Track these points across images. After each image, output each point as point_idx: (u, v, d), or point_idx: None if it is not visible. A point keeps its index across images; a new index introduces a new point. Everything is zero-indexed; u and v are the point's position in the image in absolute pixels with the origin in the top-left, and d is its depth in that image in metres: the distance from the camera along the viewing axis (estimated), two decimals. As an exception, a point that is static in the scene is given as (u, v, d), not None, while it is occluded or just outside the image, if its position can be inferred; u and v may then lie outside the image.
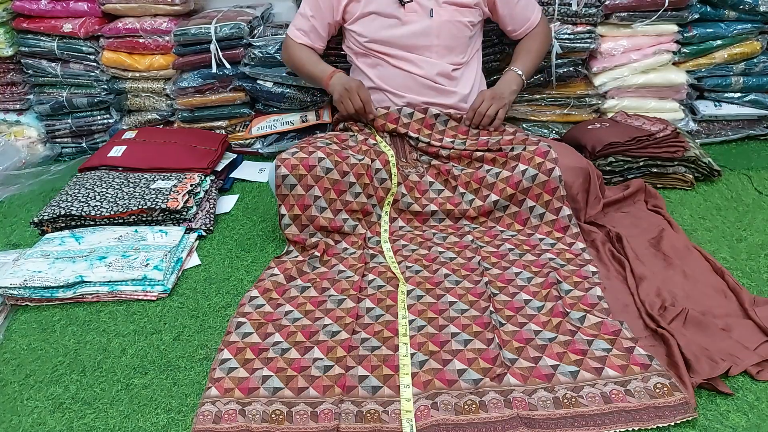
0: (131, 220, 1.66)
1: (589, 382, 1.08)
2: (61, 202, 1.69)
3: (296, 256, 1.52)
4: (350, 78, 1.72)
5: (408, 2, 1.60)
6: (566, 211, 1.51)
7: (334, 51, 1.97)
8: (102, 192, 1.72)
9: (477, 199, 1.59)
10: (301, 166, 1.49)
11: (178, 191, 1.70)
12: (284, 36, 1.86)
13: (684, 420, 1.00)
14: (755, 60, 1.98)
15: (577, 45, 1.95)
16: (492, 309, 1.27)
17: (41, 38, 2.13)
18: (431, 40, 1.64)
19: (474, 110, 1.66)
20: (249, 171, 2.05)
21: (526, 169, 1.52)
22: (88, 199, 1.70)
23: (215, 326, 1.34)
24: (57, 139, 2.30)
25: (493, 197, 1.56)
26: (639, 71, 1.98)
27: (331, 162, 1.51)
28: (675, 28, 1.94)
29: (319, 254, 1.49)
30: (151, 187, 1.73)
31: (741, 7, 1.91)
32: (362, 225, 1.58)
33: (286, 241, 1.54)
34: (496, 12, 1.75)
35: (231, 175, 2.02)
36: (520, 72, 1.72)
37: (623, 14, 1.92)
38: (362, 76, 1.75)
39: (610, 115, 2.02)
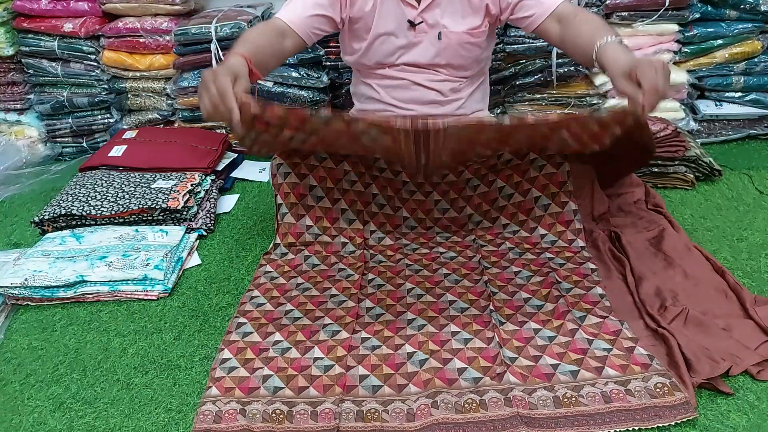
0: (132, 219, 1.66)
1: (590, 382, 1.08)
2: (61, 202, 1.69)
3: (285, 254, 1.51)
4: (231, 64, 1.22)
5: (418, 24, 1.48)
6: (572, 206, 1.50)
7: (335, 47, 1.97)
8: (102, 191, 1.72)
9: (483, 184, 1.56)
10: (295, 155, 1.48)
11: (178, 191, 1.70)
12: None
13: (684, 420, 1.00)
14: (756, 59, 1.98)
15: (578, 44, 1.95)
16: (492, 308, 1.27)
17: (42, 38, 2.13)
18: (439, 60, 1.56)
19: (654, 94, 1.10)
20: (249, 170, 2.06)
21: (536, 158, 1.52)
22: (89, 198, 1.70)
23: (216, 326, 1.34)
24: (57, 139, 2.30)
25: (499, 183, 1.55)
26: (640, 71, 1.98)
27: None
28: (676, 27, 1.94)
29: (310, 254, 1.49)
30: (152, 186, 1.73)
31: (742, 6, 1.91)
32: (360, 219, 1.56)
33: (276, 233, 1.53)
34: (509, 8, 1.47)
35: (231, 175, 2.02)
36: (613, 37, 1.25)
37: (624, 14, 1.92)
38: (366, 87, 1.67)
39: (610, 114, 2.01)
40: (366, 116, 1.19)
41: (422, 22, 1.47)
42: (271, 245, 1.53)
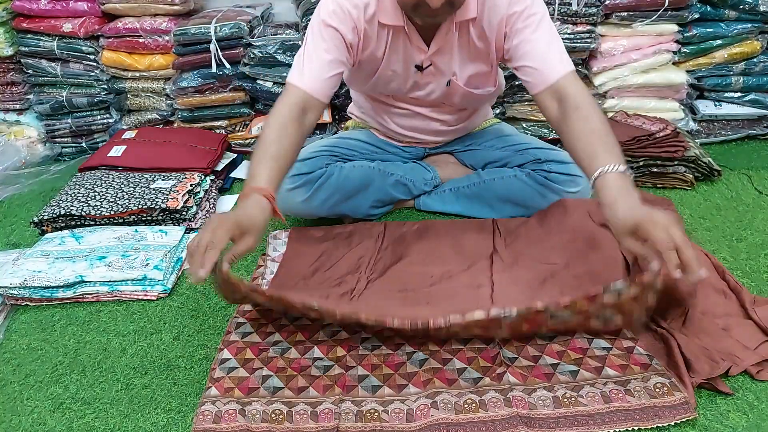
0: (131, 219, 1.66)
1: (589, 382, 1.08)
2: (61, 202, 1.69)
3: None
4: (247, 216, 1.12)
5: (426, 67, 1.42)
6: None
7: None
8: (102, 192, 1.72)
9: None
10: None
11: (177, 191, 1.70)
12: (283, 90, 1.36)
13: (684, 420, 1.00)
14: (755, 60, 1.98)
15: (577, 45, 1.95)
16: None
17: (41, 38, 2.13)
18: (445, 101, 1.54)
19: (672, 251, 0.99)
20: (249, 171, 2.05)
21: None
22: (88, 198, 1.70)
23: (215, 326, 1.33)
24: (57, 139, 2.30)
25: None
26: (639, 71, 1.98)
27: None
28: (675, 27, 1.94)
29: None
30: (151, 186, 1.73)
31: (741, 6, 1.91)
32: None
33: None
34: (514, 59, 1.35)
35: (231, 175, 2.02)
36: (620, 168, 1.13)
37: (623, 14, 1.92)
38: (368, 104, 1.65)
39: (610, 114, 2.02)
40: (360, 313, 1.10)
41: (431, 65, 1.42)
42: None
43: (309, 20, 1.92)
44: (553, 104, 1.28)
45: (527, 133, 1.94)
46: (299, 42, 2.02)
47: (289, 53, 2.02)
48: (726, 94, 2.04)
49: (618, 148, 1.17)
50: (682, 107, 2.04)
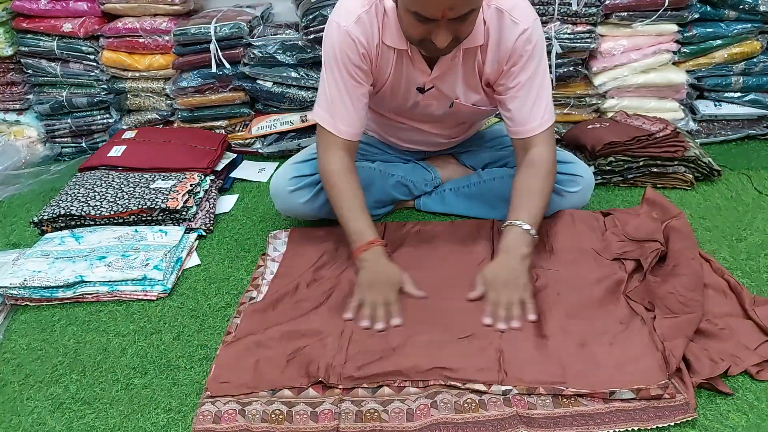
0: (131, 219, 1.66)
1: (589, 382, 1.08)
2: (60, 202, 1.69)
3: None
4: (387, 265, 1.32)
5: (428, 90, 1.41)
6: None
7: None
8: (102, 192, 1.72)
9: None
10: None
11: (177, 191, 1.70)
12: (319, 133, 1.40)
13: (684, 420, 1.00)
14: (755, 60, 1.98)
15: (577, 45, 1.95)
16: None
17: (41, 38, 2.13)
18: (447, 118, 1.53)
19: (494, 310, 1.23)
20: (249, 171, 2.06)
21: None
22: (88, 198, 1.70)
23: (215, 326, 1.33)
24: (57, 139, 2.30)
25: None
26: (639, 71, 1.98)
27: None
28: (675, 27, 1.94)
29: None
30: (151, 186, 1.73)
31: (741, 6, 1.91)
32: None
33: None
34: (502, 105, 1.41)
35: (231, 175, 2.02)
36: (527, 227, 1.30)
37: (623, 14, 1.92)
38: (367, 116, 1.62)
39: (610, 114, 2.02)
40: (363, 381, 1.11)
41: (432, 87, 1.41)
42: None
43: (309, 20, 1.94)
44: (521, 152, 1.39)
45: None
46: (299, 42, 2.01)
47: (289, 53, 2.01)
48: (726, 94, 2.03)
49: (539, 210, 1.34)
50: (682, 107, 2.04)
